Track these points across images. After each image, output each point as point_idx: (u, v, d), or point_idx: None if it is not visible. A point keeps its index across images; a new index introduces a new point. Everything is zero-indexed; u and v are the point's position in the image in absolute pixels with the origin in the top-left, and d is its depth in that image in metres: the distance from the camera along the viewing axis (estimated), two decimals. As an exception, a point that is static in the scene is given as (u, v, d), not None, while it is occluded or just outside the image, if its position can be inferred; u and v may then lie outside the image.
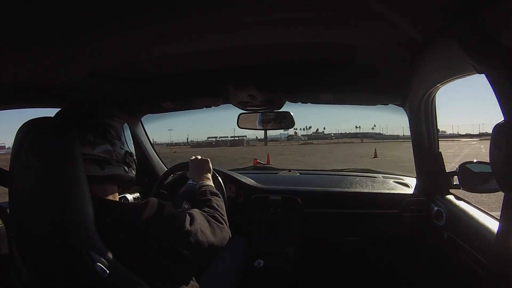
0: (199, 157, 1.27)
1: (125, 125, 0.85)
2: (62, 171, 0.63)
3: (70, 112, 0.78)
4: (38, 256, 0.65)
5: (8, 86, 1.00)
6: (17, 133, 0.69)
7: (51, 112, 0.89)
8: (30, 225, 0.65)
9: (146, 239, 0.69)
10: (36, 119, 0.68)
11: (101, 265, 0.62)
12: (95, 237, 0.64)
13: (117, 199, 0.84)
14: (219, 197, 1.04)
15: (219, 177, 1.38)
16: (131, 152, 0.83)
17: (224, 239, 0.90)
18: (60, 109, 0.81)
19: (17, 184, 0.67)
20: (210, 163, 1.25)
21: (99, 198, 0.74)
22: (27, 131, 0.67)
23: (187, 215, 0.81)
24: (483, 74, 0.66)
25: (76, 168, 0.65)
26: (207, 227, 0.84)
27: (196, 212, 0.87)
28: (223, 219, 0.93)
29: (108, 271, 0.63)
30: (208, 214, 0.90)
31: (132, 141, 0.88)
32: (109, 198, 0.77)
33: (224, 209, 1.00)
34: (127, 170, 0.82)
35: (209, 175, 1.20)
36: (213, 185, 1.14)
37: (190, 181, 1.31)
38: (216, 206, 0.97)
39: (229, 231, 0.94)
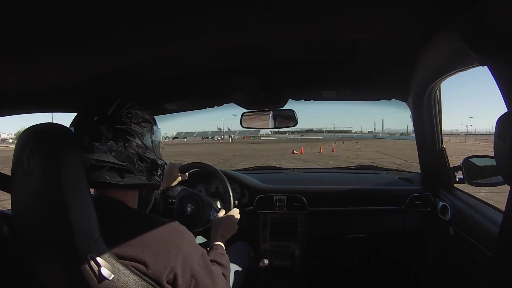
0: (238, 218, 1.19)
1: (155, 127, 0.82)
2: (63, 177, 0.62)
3: (93, 113, 0.74)
4: (42, 262, 0.66)
5: (9, 92, 1.00)
6: (17, 139, 0.69)
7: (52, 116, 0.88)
8: (33, 231, 0.65)
9: (160, 258, 0.69)
10: (34, 126, 0.68)
11: (106, 269, 0.62)
12: (99, 241, 0.64)
13: (136, 204, 0.82)
14: (229, 267, 0.97)
15: (224, 178, 1.38)
16: (156, 161, 0.80)
17: None
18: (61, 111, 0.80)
19: (19, 191, 0.68)
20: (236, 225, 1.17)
21: (120, 202, 0.74)
22: (27, 138, 0.67)
23: (204, 260, 0.78)
24: (486, 66, 0.66)
25: (77, 173, 0.65)
26: (214, 285, 0.79)
27: (217, 271, 0.83)
28: None
29: (113, 274, 0.63)
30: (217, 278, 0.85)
31: (162, 145, 0.86)
32: (129, 204, 0.76)
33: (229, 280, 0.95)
34: (151, 178, 0.79)
35: (228, 237, 1.12)
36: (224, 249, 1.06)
37: (201, 189, 1.29)
38: (227, 275, 0.92)
39: None
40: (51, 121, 0.73)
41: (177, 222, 0.76)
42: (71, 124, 0.77)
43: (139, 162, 0.75)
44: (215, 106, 1.59)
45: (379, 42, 0.92)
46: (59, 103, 1.21)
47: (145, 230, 0.70)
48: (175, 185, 1.34)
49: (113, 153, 0.71)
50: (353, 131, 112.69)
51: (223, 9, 0.68)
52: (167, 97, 1.49)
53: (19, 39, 0.69)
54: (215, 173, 1.41)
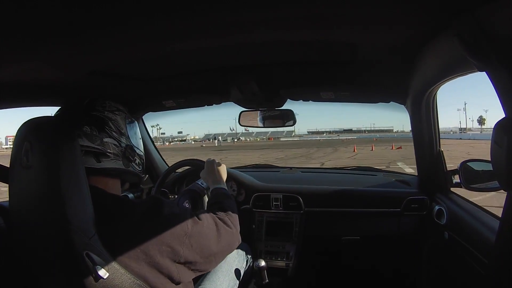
0: (217, 160, 1.26)
1: (130, 120, 0.85)
2: (62, 171, 0.62)
3: (72, 108, 0.78)
4: (38, 258, 0.65)
5: (8, 85, 0.99)
6: (16, 133, 0.69)
7: (52, 110, 0.88)
8: (29, 225, 0.65)
9: (146, 236, 0.68)
10: (34, 119, 0.68)
11: (101, 267, 0.62)
12: (94, 238, 0.63)
13: (119, 194, 0.83)
14: (232, 200, 1.02)
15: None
16: (132, 146, 0.83)
17: (231, 244, 0.89)
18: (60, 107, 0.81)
19: (17, 184, 0.67)
20: (225, 168, 1.25)
21: (101, 190, 0.74)
22: (26, 131, 0.67)
23: (192, 217, 0.79)
24: (484, 72, 0.66)
25: (76, 168, 0.65)
26: (213, 231, 0.82)
27: (205, 215, 0.85)
28: (232, 222, 0.91)
29: (108, 273, 0.62)
30: (218, 217, 0.88)
31: (139, 137, 0.88)
32: (111, 191, 0.77)
33: (236, 213, 0.97)
34: (128, 164, 0.81)
35: (224, 180, 1.19)
36: (226, 188, 1.14)
37: (198, 182, 1.31)
38: (228, 209, 0.95)
39: (239, 237, 0.92)
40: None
41: (155, 196, 0.77)
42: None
43: (114, 146, 0.78)
44: (214, 105, 1.58)
45: (379, 45, 0.92)
46: (59, 98, 1.21)
47: (128, 213, 0.71)
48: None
49: (88, 137, 0.74)
50: (394, 130, 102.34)
51: (223, 8, 0.68)
52: (165, 94, 1.48)
53: (20, 34, 0.69)
54: (184, 162, 1.49)
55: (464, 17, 0.63)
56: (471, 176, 1.24)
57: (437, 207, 1.36)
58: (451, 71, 0.91)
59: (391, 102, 1.40)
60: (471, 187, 1.23)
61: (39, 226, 0.63)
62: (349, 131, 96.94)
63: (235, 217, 0.94)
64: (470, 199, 1.27)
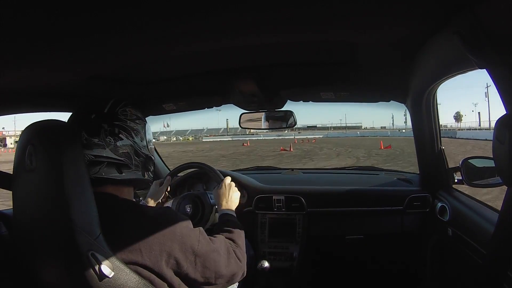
0: (233, 184, 1.18)
1: (147, 125, 0.84)
2: (65, 173, 0.63)
3: (89, 111, 0.76)
4: (43, 259, 0.66)
5: (7, 91, 0.99)
6: (20, 136, 0.69)
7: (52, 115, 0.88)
8: (34, 228, 0.65)
9: (155, 245, 0.69)
10: (37, 122, 0.69)
11: (107, 267, 0.62)
12: (99, 238, 0.64)
13: (133, 199, 0.84)
14: (242, 231, 0.99)
15: (201, 163, 1.37)
16: (151, 156, 0.83)
17: (236, 275, 0.86)
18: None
19: (21, 187, 0.68)
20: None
21: (115, 196, 0.75)
22: (29, 134, 0.67)
23: (204, 237, 0.79)
24: (485, 69, 0.66)
25: (79, 170, 0.66)
26: (224, 259, 0.82)
27: (220, 240, 0.85)
28: (243, 255, 0.90)
29: (113, 272, 0.63)
30: (231, 248, 0.87)
31: (152, 140, 0.88)
32: (125, 197, 0.77)
33: (244, 244, 0.96)
34: (145, 174, 0.81)
35: (235, 206, 1.13)
36: (235, 216, 1.07)
37: (208, 194, 1.29)
38: (239, 240, 0.94)
39: (245, 269, 0.90)
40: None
41: (170, 207, 0.77)
42: (67, 122, 0.78)
43: (135, 157, 0.78)
44: (214, 107, 1.59)
45: (379, 43, 0.92)
46: (58, 103, 1.21)
47: (139, 221, 0.71)
48: (166, 201, 1.32)
49: (111, 148, 0.73)
50: (363, 127, 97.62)
51: (222, 11, 0.68)
52: (165, 98, 1.48)
53: (19, 40, 0.69)
54: (194, 165, 1.43)
55: (464, 14, 0.63)
56: (473, 173, 1.25)
57: (439, 204, 1.36)
58: (451, 69, 0.91)
59: (391, 101, 1.41)
60: (473, 183, 1.24)
61: (44, 227, 0.64)
62: (314, 127, 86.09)
63: (243, 249, 0.93)
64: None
